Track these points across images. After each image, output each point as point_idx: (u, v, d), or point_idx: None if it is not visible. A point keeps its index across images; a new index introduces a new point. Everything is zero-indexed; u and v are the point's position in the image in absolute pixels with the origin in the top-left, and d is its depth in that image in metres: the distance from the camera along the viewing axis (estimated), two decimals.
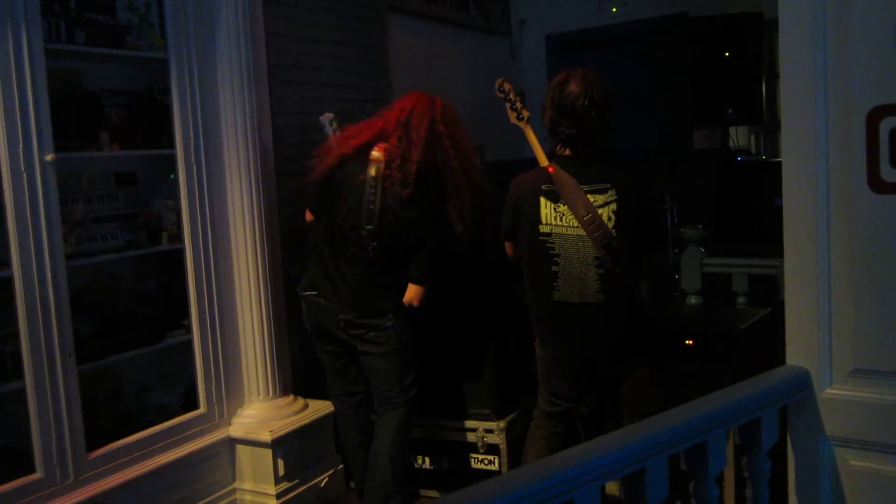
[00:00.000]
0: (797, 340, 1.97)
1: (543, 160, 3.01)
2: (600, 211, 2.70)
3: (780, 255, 2.02)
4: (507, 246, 3.08)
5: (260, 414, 3.60)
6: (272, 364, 3.66)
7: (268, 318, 3.64)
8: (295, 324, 3.88)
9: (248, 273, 3.60)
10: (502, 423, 3.68)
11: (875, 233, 1.83)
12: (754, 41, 5.22)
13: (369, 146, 3.26)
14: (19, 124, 2.80)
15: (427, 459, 3.81)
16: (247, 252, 3.58)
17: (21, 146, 2.81)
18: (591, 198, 2.72)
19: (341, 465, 3.86)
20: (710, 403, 1.79)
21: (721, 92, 5.27)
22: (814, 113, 1.89)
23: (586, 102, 2.72)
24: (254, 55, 3.60)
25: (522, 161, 6.71)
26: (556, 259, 2.77)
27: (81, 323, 3.16)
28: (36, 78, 2.84)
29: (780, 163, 1.99)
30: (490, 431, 3.67)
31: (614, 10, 6.30)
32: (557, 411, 3.06)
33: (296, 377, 3.94)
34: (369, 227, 3.16)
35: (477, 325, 3.71)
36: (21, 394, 2.85)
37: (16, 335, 2.84)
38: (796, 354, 1.97)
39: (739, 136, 5.61)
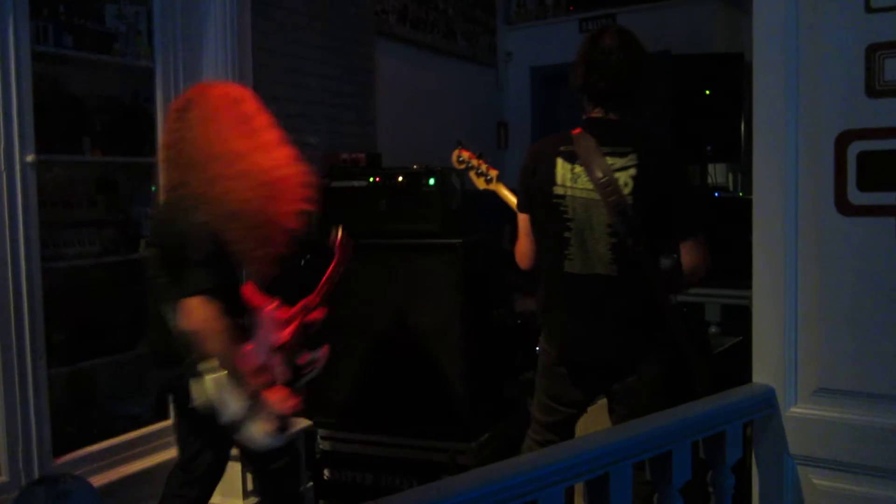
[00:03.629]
0: (763, 358, 2.00)
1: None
2: (617, 175, 2.47)
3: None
4: (522, 220, 2.76)
5: None
6: None
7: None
8: None
9: None
10: (474, 445, 3.67)
11: (842, 254, 1.88)
12: (734, 81, 5.32)
13: None
14: (1, 124, 2.81)
15: (392, 479, 3.79)
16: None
17: (2, 146, 2.81)
18: (609, 160, 2.49)
19: (310, 483, 3.83)
20: (677, 414, 1.81)
21: (701, 129, 5.36)
22: (784, 137, 1.95)
23: (621, 56, 2.53)
24: (240, 69, 3.64)
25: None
26: (568, 223, 2.54)
27: (55, 327, 3.14)
28: (21, 79, 2.85)
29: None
30: (461, 452, 3.66)
31: None
32: (557, 420, 2.77)
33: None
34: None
35: (451, 342, 3.71)
36: None
37: None
38: (762, 372, 2.01)
39: (718, 173, 5.70)
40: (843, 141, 1.86)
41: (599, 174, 2.47)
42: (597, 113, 2.61)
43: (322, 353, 2.89)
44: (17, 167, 2.85)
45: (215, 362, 2.39)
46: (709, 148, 5.28)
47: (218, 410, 2.42)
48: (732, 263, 4.35)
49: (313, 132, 4.59)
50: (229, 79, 3.56)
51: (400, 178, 3.88)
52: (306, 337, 2.82)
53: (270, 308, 2.73)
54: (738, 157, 5.39)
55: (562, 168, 2.56)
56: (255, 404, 2.43)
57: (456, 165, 3.20)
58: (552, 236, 2.60)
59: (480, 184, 3.11)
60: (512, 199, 2.95)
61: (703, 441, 1.90)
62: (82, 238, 3.29)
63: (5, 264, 2.83)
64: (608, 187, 2.45)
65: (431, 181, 3.81)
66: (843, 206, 1.87)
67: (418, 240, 3.73)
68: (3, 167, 2.82)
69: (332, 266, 2.91)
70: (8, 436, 2.86)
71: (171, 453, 3.40)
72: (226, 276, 2.49)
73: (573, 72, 2.62)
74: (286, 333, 2.74)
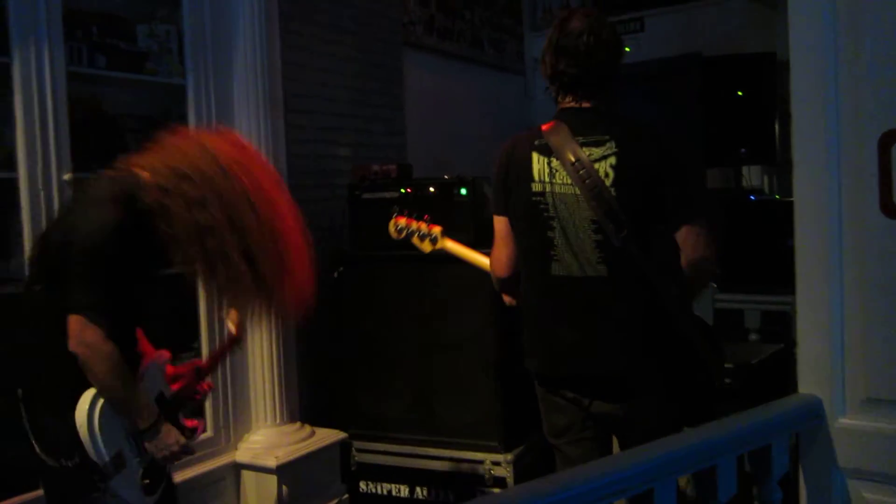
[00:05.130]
0: (809, 368, 1.95)
1: (480, 260, 2.75)
2: (596, 166, 2.26)
3: (794, 292, 2.00)
4: (499, 223, 2.49)
5: (266, 440, 3.59)
6: (280, 390, 3.65)
7: (276, 345, 3.64)
8: (303, 351, 3.88)
9: None
10: (510, 456, 3.65)
11: (888, 258, 1.82)
12: (768, 81, 5.25)
13: None
14: (39, 143, 2.84)
15: (427, 491, 3.77)
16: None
17: (40, 165, 2.85)
18: (585, 150, 2.28)
19: (346, 495, 3.83)
20: (721, 427, 1.78)
21: (734, 131, 5.29)
22: (825, 140, 1.90)
23: (591, 40, 2.31)
24: (270, 83, 3.65)
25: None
26: (551, 223, 2.32)
27: None
28: (57, 99, 2.89)
29: (792, 203, 1.98)
30: (497, 464, 3.64)
31: (627, 48, 6.34)
32: (582, 453, 2.42)
33: (303, 404, 3.92)
34: None
35: (484, 352, 3.69)
36: None
37: None
38: (808, 382, 1.96)
39: (752, 176, 5.62)
40: (886, 142, 1.81)
41: (577, 167, 2.27)
42: (569, 102, 2.40)
43: (202, 424, 2.59)
44: (55, 185, 2.88)
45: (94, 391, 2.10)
46: (743, 151, 5.21)
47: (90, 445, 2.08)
48: (771, 268, 4.33)
49: (344, 144, 4.61)
50: (260, 93, 3.57)
51: (431, 189, 3.87)
52: (190, 400, 2.55)
53: (159, 358, 2.42)
54: (774, 158, 5.32)
55: (537, 163, 2.35)
56: (143, 443, 2.17)
57: (395, 236, 2.97)
58: (535, 238, 2.37)
59: (426, 247, 2.90)
60: (465, 253, 2.82)
61: (748, 454, 1.86)
62: None
63: None
64: (587, 179, 2.25)
65: (463, 191, 3.80)
66: (889, 208, 1.82)
67: None
68: (41, 185, 2.85)
69: (226, 345, 2.68)
70: None
71: (207, 466, 3.45)
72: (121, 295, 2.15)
73: (542, 61, 2.43)
74: (173, 388, 2.46)
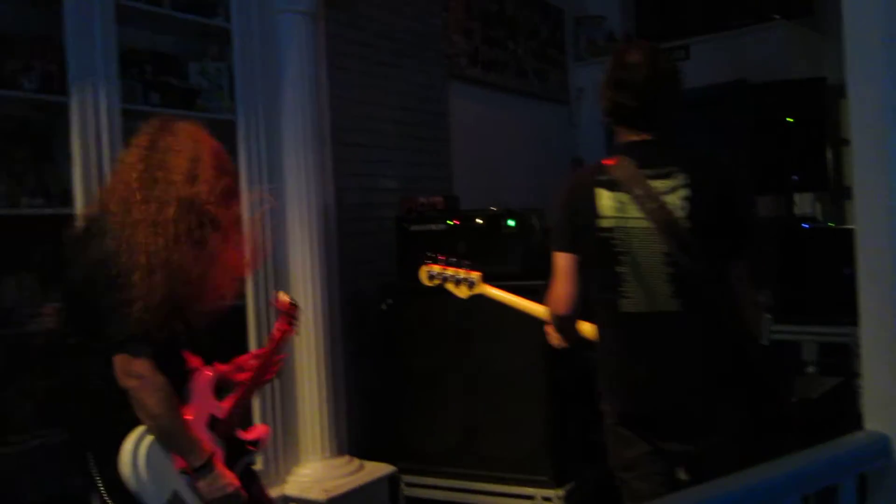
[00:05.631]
0: (875, 403, 1.88)
1: (532, 307, 2.67)
2: (667, 198, 2.22)
3: (853, 323, 1.94)
4: (561, 260, 2.37)
5: (315, 473, 3.58)
6: (328, 423, 3.65)
7: (326, 378, 3.64)
8: (352, 384, 3.88)
9: (308, 332, 3.61)
10: (561, 492, 3.59)
11: None
12: (818, 106, 5.18)
13: None
14: (95, 180, 2.88)
15: None
16: (306, 311, 3.60)
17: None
18: (654, 183, 2.24)
19: None
20: (783, 467, 1.72)
21: (784, 158, 5.21)
22: (887, 163, 1.85)
23: (650, 72, 2.30)
24: (318, 118, 3.69)
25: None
26: (621, 258, 2.26)
27: None
28: (113, 136, 2.94)
29: (848, 230, 1.93)
30: (548, 500, 3.59)
31: None
32: (653, 489, 2.33)
33: (351, 438, 3.91)
34: None
35: (534, 385, 3.65)
36: None
37: None
38: (875, 418, 1.88)
39: (804, 203, 5.53)
40: None
41: (646, 200, 2.22)
42: (630, 135, 2.36)
43: (265, 431, 2.53)
44: None
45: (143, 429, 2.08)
46: (795, 178, 5.13)
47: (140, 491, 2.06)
48: (827, 298, 4.24)
49: (390, 177, 4.63)
50: (308, 128, 3.61)
51: (479, 221, 3.86)
52: (245, 408, 2.49)
53: (202, 380, 2.33)
54: (826, 185, 5.23)
55: (604, 198, 2.28)
56: (196, 483, 2.12)
57: (427, 283, 2.88)
58: (604, 274, 2.30)
59: (462, 293, 2.83)
60: (506, 298, 2.75)
61: (814, 496, 1.80)
62: None
63: None
64: (658, 212, 2.21)
65: (511, 222, 3.79)
66: None
67: (499, 282, 3.68)
68: None
69: (282, 331, 2.52)
70: None
71: None
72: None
73: (601, 96, 2.40)
74: (226, 404, 2.37)
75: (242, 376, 2.47)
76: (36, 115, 2.99)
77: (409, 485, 3.92)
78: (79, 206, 2.85)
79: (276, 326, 2.51)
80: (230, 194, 2.29)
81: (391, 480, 3.85)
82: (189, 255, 2.12)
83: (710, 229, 2.23)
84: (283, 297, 2.54)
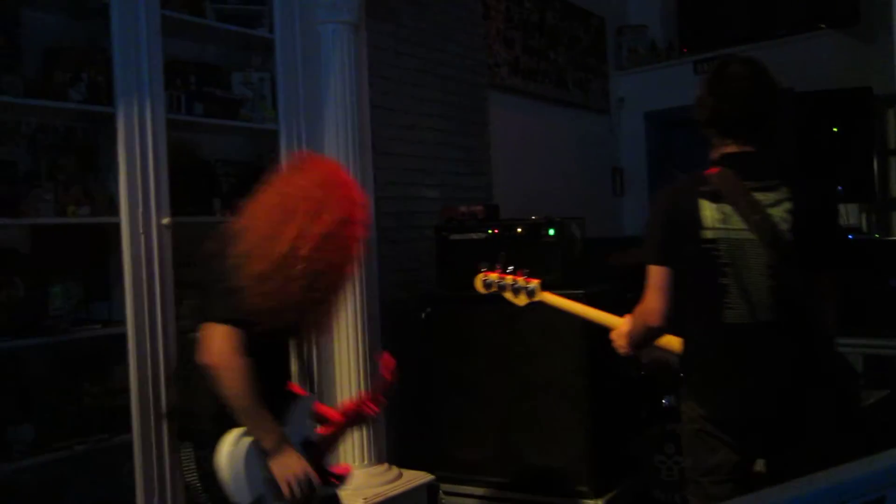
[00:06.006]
0: None
1: (595, 314, 2.71)
2: (771, 211, 2.24)
3: None
4: (657, 273, 2.37)
5: (354, 481, 3.57)
6: (367, 431, 3.66)
7: (364, 386, 3.65)
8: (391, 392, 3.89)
9: (348, 341, 3.63)
10: (601, 502, 3.57)
11: None
12: (864, 116, 5.10)
13: None
14: (140, 189, 2.95)
15: None
16: (346, 320, 3.63)
17: (140, 209, 2.95)
18: (758, 196, 2.26)
19: None
20: (830, 479, 1.69)
21: (830, 168, 5.13)
22: None
23: (752, 83, 2.33)
24: (359, 127, 3.72)
25: (621, 239, 6.68)
26: (725, 269, 2.27)
27: None
28: (158, 146, 3.00)
29: (893, 242, 1.90)
30: None
31: None
32: (721, 493, 2.36)
33: (390, 446, 3.93)
34: None
35: (573, 396, 3.63)
36: (127, 448, 2.92)
37: (126, 391, 2.93)
38: None
39: (850, 214, 5.43)
40: None
41: (752, 212, 2.24)
42: (730, 147, 2.36)
43: (349, 470, 2.65)
44: (154, 230, 2.98)
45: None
46: (840, 188, 5.05)
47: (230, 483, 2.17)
48: (873, 310, 4.15)
49: (431, 186, 4.65)
50: (349, 137, 3.64)
51: (519, 230, 3.86)
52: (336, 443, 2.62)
53: (308, 399, 2.50)
54: (872, 196, 5.14)
55: (708, 210, 2.29)
56: (269, 463, 2.21)
57: (482, 291, 2.89)
58: (706, 285, 2.32)
59: (521, 301, 2.84)
60: (567, 304, 2.77)
61: None
62: None
63: (143, 323, 2.94)
64: (763, 224, 2.22)
65: (551, 231, 3.78)
66: None
67: None
68: (141, 230, 2.95)
69: (379, 387, 2.71)
70: (145, 487, 2.93)
71: None
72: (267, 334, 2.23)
73: (700, 105, 2.41)
74: (322, 431, 2.52)
75: (338, 415, 2.61)
76: (82, 125, 3.05)
77: (448, 493, 3.93)
78: (124, 215, 2.91)
79: (378, 381, 2.68)
80: (337, 237, 2.31)
81: (430, 489, 3.86)
82: (295, 289, 2.22)
83: (809, 242, 2.25)
84: (389, 359, 2.70)
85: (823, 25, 5.65)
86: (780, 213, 2.24)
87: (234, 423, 2.20)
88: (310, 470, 2.26)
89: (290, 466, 2.22)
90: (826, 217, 2.31)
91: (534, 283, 2.81)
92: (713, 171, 2.34)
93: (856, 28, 5.64)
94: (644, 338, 2.50)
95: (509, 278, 2.84)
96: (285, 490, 2.22)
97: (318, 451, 2.43)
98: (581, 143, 6.33)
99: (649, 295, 2.39)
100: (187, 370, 2.34)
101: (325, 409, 2.62)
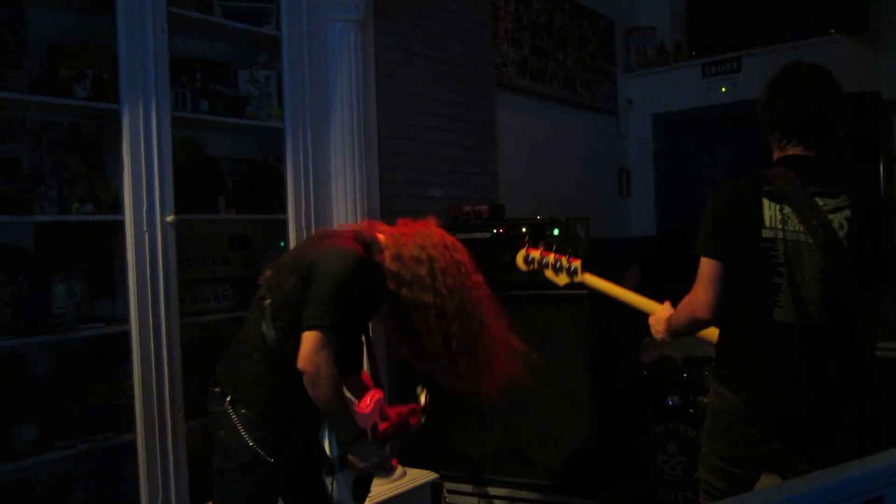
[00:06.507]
0: None
1: (629, 296, 2.76)
2: (831, 217, 2.27)
3: None
4: (710, 266, 2.41)
5: None
6: None
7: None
8: (395, 390, 3.88)
9: None
10: (604, 501, 3.56)
11: None
12: (871, 121, 5.08)
13: None
14: (144, 186, 2.94)
15: None
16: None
17: (145, 207, 2.94)
18: (819, 201, 2.28)
19: None
20: (831, 477, 1.68)
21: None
22: None
23: (821, 86, 2.37)
24: (365, 126, 3.72)
25: (627, 239, 6.67)
26: (779, 269, 2.30)
27: (191, 380, 3.23)
28: (162, 144, 2.99)
29: None
30: None
31: (723, 89, 6.26)
32: (734, 485, 2.43)
33: (395, 444, 3.92)
34: None
35: (577, 395, 3.62)
36: (131, 447, 2.92)
37: (130, 388, 2.93)
38: None
39: None
40: None
41: (810, 216, 2.27)
42: (793, 149, 2.40)
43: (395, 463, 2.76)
44: (158, 227, 2.98)
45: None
46: None
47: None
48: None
49: (436, 185, 4.65)
50: (355, 136, 3.64)
51: (524, 230, 3.86)
52: (392, 438, 2.72)
53: (376, 393, 2.67)
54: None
55: (769, 209, 2.32)
56: (348, 455, 2.37)
57: (523, 268, 2.95)
58: (760, 283, 2.35)
59: (561, 280, 2.90)
60: (609, 287, 2.80)
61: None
62: (217, 294, 3.39)
63: (147, 321, 2.94)
64: (822, 229, 2.25)
65: (556, 231, 3.78)
66: None
67: (543, 291, 3.68)
68: (145, 227, 2.95)
69: (415, 419, 2.81)
70: (149, 485, 2.94)
71: None
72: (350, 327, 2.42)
73: (764, 104, 2.44)
74: (382, 426, 2.64)
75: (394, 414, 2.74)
76: (87, 122, 3.05)
77: (452, 492, 3.92)
78: (128, 212, 2.91)
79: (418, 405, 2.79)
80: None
81: (433, 487, 3.85)
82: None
83: (864, 250, 2.28)
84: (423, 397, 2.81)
85: (832, 30, 5.63)
86: (839, 219, 2.27)
87: (268, 389, 2.37)
88: (383, 455, 2.43)
89: (368, 455, 2.36)
90: (882, 229, 2.32)
91: (576, 262, 2.84)
92: (775, 171, 2.36)
93: (865, 33, 5.62)
94: (689, 328, 2.54)
95: (552, 257, 2.88)
96: (366, 472, 2.41)
97: (381, 439, 2.60)
98: (588, 144, 6.32)
99: (699, 286, 2.43)
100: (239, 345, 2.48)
101: (385, 407, 2.72)
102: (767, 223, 2.32)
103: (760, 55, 5.97)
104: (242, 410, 2.36)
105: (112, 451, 2.94)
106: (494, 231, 3.94)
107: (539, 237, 3.79)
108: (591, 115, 6.40)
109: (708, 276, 2.41)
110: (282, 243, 3.54)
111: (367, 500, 3.43)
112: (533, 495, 3.70)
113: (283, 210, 3.50)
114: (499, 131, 5.21)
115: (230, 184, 3.53)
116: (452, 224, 4.13)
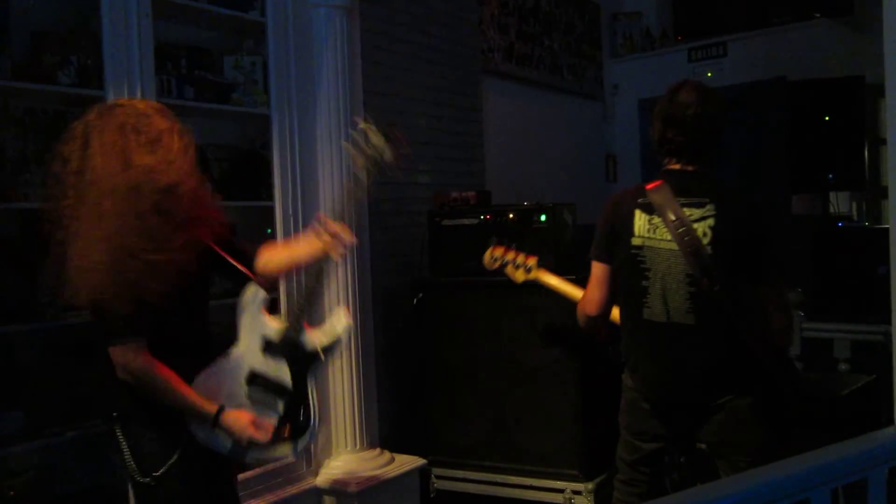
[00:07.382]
0: None
1: (574, 292, 2.96)
2: (696, 225, 2.50)
3: (887, 321, 1.93)
4: (597, 269, 2.71)
5: (346, 465, 3.60)
6: (360, 416, 3.67)
7: (357, 371, 3.66)
8: (383, 377, 3.90)
9: None
10: (591, 485, 3.59)
11: None
12: (856, 105, 5.11)
13: None
14: None
15: None
16: (339, 306, 3.63)
17: None
18: (686, 211, 2.52)
19: None
20: (813, 459, 1.71)
21: (821, 156, 5.15)
22: None
23: (699, 111, 2.56)
24: (352, 112, 3.71)
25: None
26: (646, 273, 2.57)
27: None
28: None
29: (883, 230, 1.92)
30: (578, 493, 3.58)
31: (709, 74, 6.27)
32: (641, 457, 2.72)
33: (383, 431, 3.94)
34: None
35: (565, 379, 3.64)
36: None
37: None
38: None
39: (840, 202, 5.45)
40: None
41: (676, 225, 2.50)
42: (674, 165, 2.63)
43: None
44: None
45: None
46: (830, 176, 5.07)
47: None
48: (861, 296, 4.18)
49: (423, 171, 4.65)
50: (342, 122, 3.63)
51: (511, 216, 3.87)
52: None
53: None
54: (863, 185, 5.16)
55: (639, 219, 2.59)
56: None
57: (489, 266, 3.18)
58: (631, 286, 2.63)
59: (519, 276, 3.13)
60: (558, 284, 3.05)
61: (842, 489, 1.78)
62: None
63: None
64: (686, 237, 2.48)
65: (543, 217, 3.79)
66: None
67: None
68: None
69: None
70: None
71: (288, 492, 3.47)
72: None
73: (651, 126, 2.67)
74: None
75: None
76: (71, 109, 3.02)
77: (440, 477, 3.94)
78: None
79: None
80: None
81: (422, 473, 3.87)
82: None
83: (732, 256, 2.49)
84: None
85: (817, 14, 5.65)
86: (703, 227, 2.49)
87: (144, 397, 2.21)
88: (254, 418, 2.28)
89: (238, 430, 2.25)
90: (748, 235, 2.50)
91: (531, 260, 3.09)
92: (653, 184, 2.60)
93: (849, 17, 5.65)
94: (584, 323, 2.80)
95: (511, 255, 3.12)
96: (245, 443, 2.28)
97: (289, 338, 2.45)
98: (574, 129, 6.32)
99: (589, 286, 2.74)
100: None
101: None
102: (636, 232, 2.58)
103: (746, 40, 5.98)
104: None
105: (99, 439, 2.94)
106: (482, 217, 3.95)
107: (526, 223, 3.81)
108: (578, 101, 6.41)
109: (596, 277, 2.72)
110: (269, 230, 3.54)
111: (356, 486, 3.48)
112: (520, 480, 3.72)
113: (270, 197, 3.50)
114: (485, 117, 5.21)
115: (216, 170, 3.52)
116: (440, 211, 4.12)
